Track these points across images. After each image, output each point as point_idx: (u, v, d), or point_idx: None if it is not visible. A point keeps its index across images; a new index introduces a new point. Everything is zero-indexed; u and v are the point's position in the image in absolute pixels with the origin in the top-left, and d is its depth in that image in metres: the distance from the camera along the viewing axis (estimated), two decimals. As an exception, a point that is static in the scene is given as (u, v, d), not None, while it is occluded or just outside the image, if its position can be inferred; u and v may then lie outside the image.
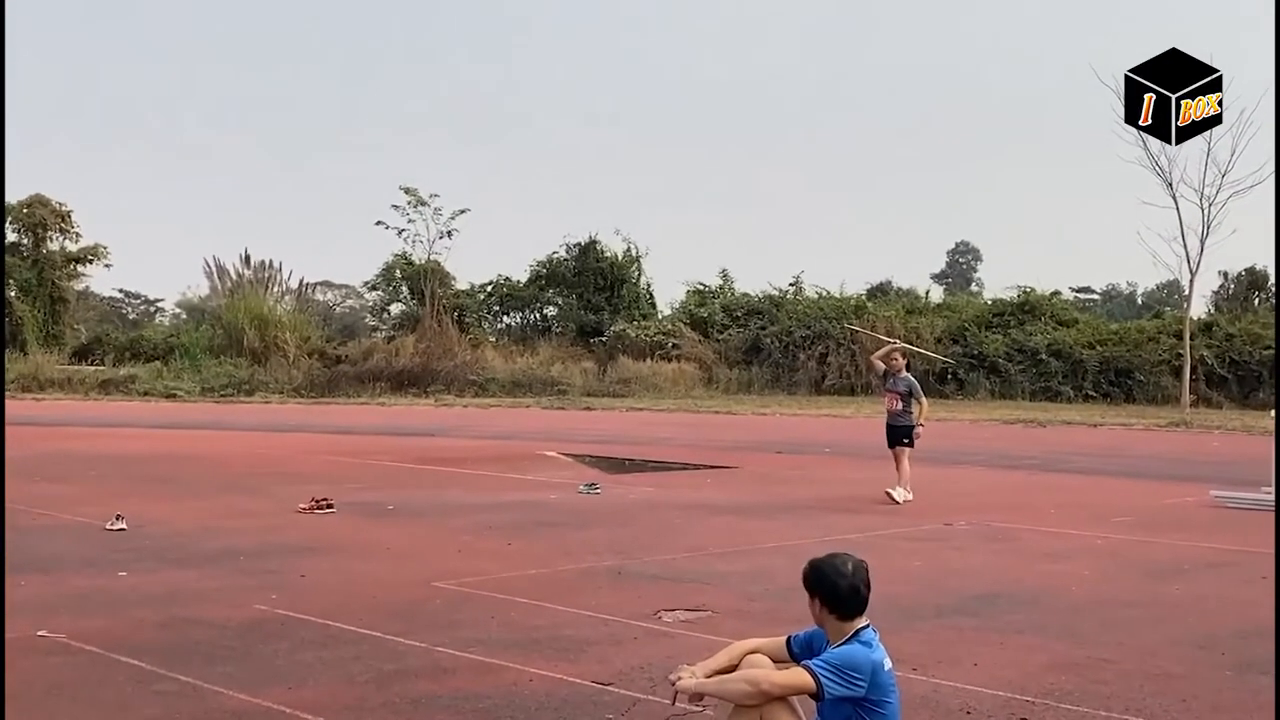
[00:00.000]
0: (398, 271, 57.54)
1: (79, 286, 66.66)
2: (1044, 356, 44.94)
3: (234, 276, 66.33)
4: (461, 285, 58.35)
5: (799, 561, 9.56)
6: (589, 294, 55.24)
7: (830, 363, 47.55)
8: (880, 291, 61.51)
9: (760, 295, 53.51)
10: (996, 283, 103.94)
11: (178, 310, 79.11)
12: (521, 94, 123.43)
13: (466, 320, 55.77)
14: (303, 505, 13.21)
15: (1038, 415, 34.27)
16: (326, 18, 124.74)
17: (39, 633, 7.27)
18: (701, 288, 55.75)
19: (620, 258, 56.34)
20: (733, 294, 54.74)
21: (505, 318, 60.26)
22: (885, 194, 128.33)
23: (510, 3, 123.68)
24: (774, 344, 48.71)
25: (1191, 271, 37.39)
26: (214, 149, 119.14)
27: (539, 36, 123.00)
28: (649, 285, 57.68)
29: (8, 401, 41.78)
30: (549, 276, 57.54)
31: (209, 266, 68.53)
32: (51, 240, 62.94)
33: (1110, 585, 9.32)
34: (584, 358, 49.49)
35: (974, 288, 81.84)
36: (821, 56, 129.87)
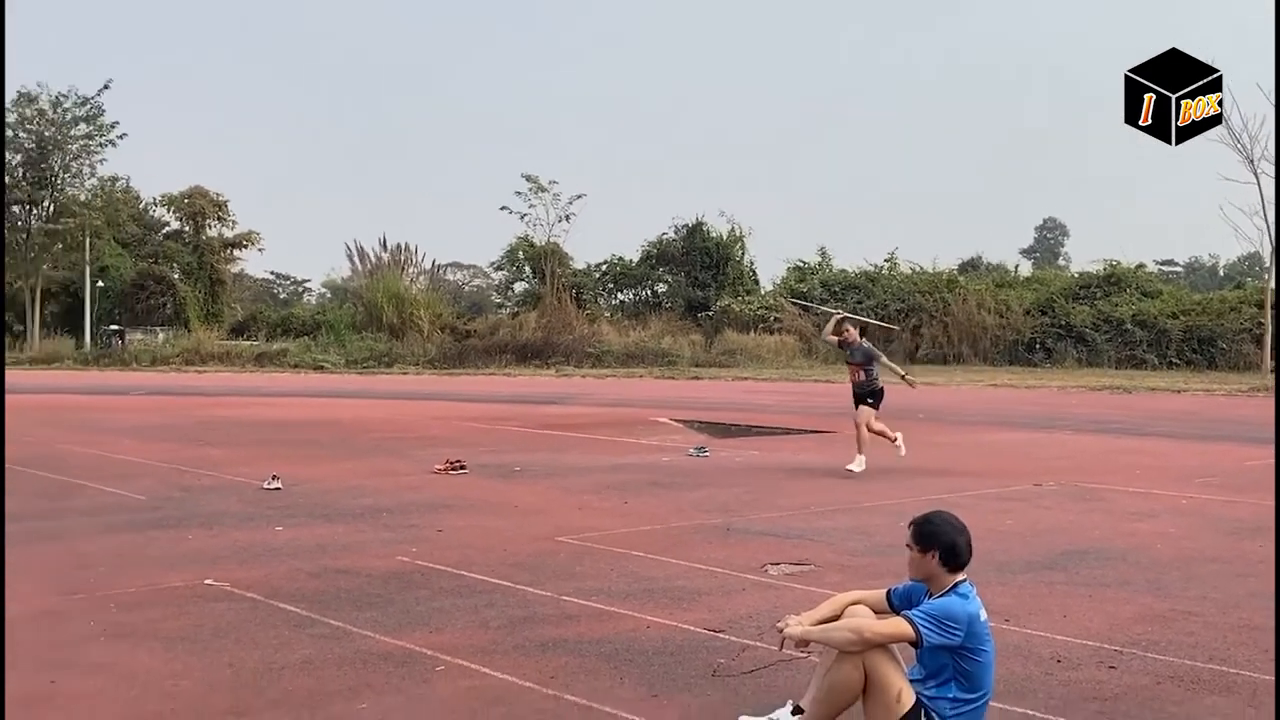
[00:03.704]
0: (520, 253, 57.99)
1: (235, 269, 68.41)
2: (1129, 326, 43.90)
3: (373, 259, 67.55)
4: (579, 265, 58.68)
5: (896, 519, 9.49)
6: (696, 272, 55.17)
7: (924, 334, 47.00)
8: (971, 266, 60.58)
9: (857, 271, 52.99)
10: (1083, 257, 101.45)
11: (323, 290, 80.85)
12: (633, 85, 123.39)
13: (584, 297, 56.05)
14: (438, 466, 13.40)
15: (1123, 382, 33.49)
16: (463, 17, 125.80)
17: (206, 581, 7.46)
18: (801, 265, 55.35)
19: (725, 237, 56.15)
20: (831, 270, 54.26)
21: (619, 294, 60.45)
22: (976, 173, 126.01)
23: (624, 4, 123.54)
24: (870, 317, 48.20)
25: (1272, 243, 36.17)
26: (356, 142, 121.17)
27: (650, 35, 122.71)
28: (752, 263, 57.49)
29: (175, 372, 43.07)
30: (659, 256, 57.59)
31: (351, 250, 69.95)
32: (210, 227, 64.59)
33: (1194, 542, 9.09)
34: (692, 331, 49.48)
35: (1061, 262, 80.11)
36: (905, 42, 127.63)
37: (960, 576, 4.43)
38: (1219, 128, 32.60)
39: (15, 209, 55.55)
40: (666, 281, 57.54)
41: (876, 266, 52.93)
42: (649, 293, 58.61)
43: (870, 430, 13.61)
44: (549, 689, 5.23)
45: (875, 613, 4.55)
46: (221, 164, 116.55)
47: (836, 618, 4.54)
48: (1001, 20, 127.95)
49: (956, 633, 4.29)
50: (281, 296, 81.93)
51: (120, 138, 56.02)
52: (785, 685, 5.11)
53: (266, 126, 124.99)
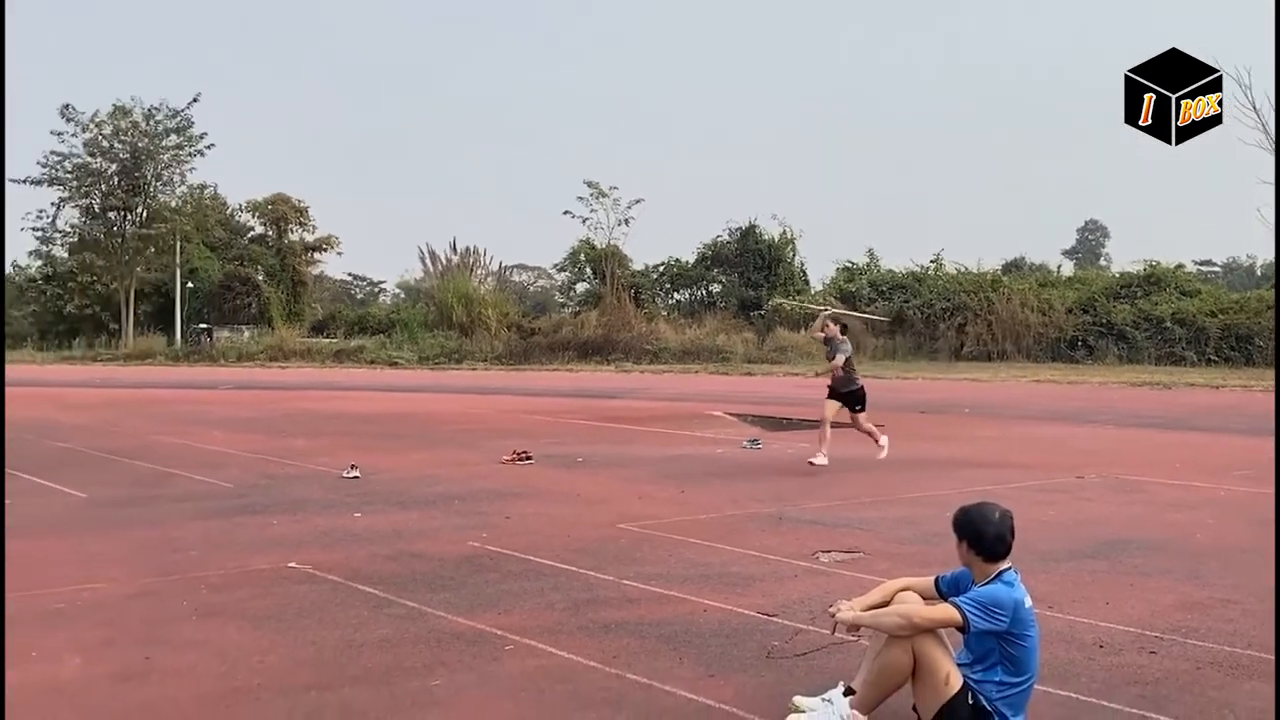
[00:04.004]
0: (582, 255, 58.20)
1: (315, 271, 69.28)
2: (1169, 324, 43.18)
3: (444, 261, 68.14)
4: (637, 266, 58.76)
5: (943, 510, 9.39)
6: (749, 272, 55.10)
7: (969, 332, 46.50)
8: (1015, 267, 59.88)
9: (904, 271, 52.54)
10: (1123, 257, 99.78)
11: (397, 290, 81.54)
12: (688, 93, 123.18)
13: (642, 297, 56.13)
14: (506, 457, 13.47)
15: (1163, 378, 32.92)
16: (535, 24, 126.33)
17: (290, 564, 7.56)
18: (850, 265, 55.00)
19: (777, 240, 56.00)
20: (878, 270, 53.85)
21: (675, 294, 60.49)
22: (1019, 176, 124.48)
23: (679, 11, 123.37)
24: (916, 315, 47.86)
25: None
26: (429, 150, 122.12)
27: (701, 44, 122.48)
28: (803, 264, 57.34)
29: (260, 368, 43.64)
30: (713, 257, 57.59)
31: (423, 252, 70.61)
32: (292, 232, 65.48)
33: (1232, 533, 8.92)
34: (745, 329, 49.38)
35: (1103, 262, 78.90)
36: (954, 47, 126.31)
37: (1004, 565, 4.39)
38: (1259, 131, 32.15)
39: (111, 215, 56.59)
40: (721, 282, 57.48)
41: (923, 267, 52.45)
42: (704, 292, 58.59)
43: (860, 429, 13.29)
44: (611, 668, 5.25)
45: (924, 599, 4.52)
46: (302, 171, 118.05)
47: (886, 603, 4.53)
48: (1043, 25, 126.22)
49: (1002, 618, 4.25)
50: (358, 296, 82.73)
51: (208, 148, 56.93)
52: (836, 667, 5.09)
53: (344, 135, 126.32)
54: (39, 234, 58.36)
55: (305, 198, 66.33)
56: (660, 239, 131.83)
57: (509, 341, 49.37)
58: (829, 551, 8.04)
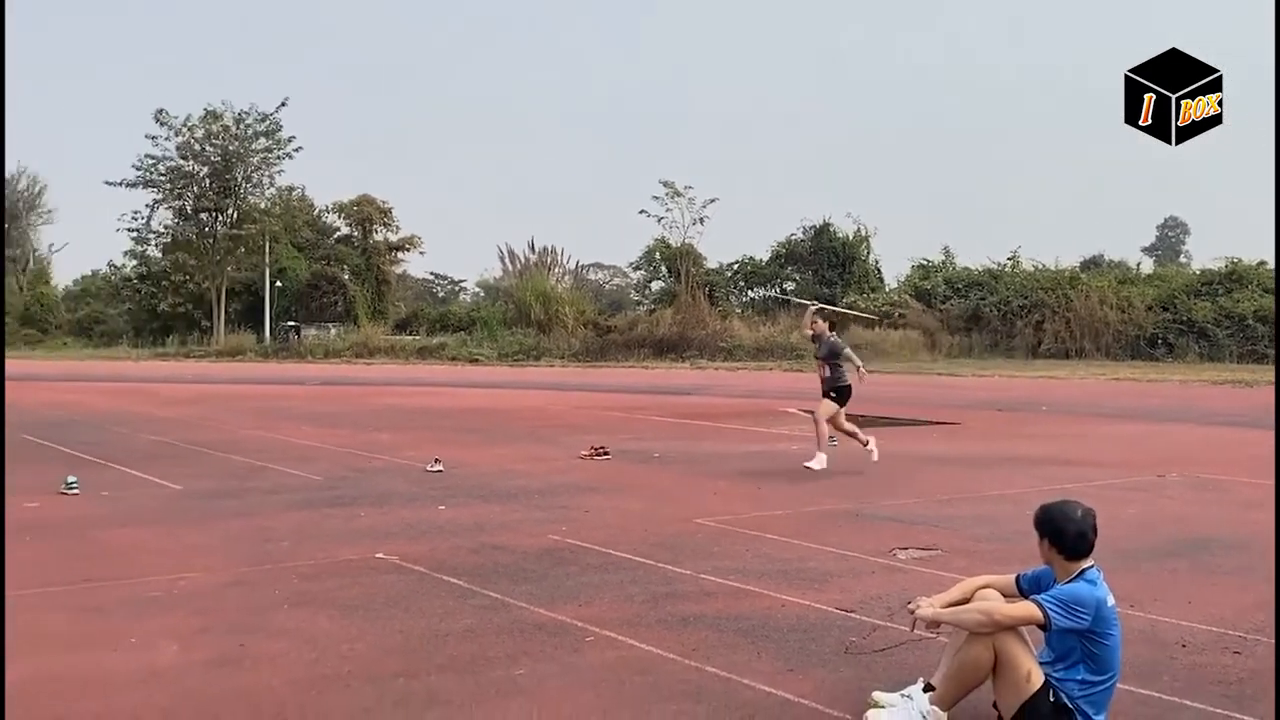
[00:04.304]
0: (657, 254, 58.30)
1: (399, 270, 70.23)
2: (1251, 322, 42.12)
3: (522, 260, 68.70)
4: (711, 264, 58.70)
5: (1022, 507, 9.27)
6: (823, 270, 54.82)
7: (1046, 329, 45.77)
8: (1093, 264, 58.75)
9: (980, 269, 51.85)
10: (1204, 254, 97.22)
11: (477, 289, 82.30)
12: (764, 91, 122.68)
13: (716, 295, 56.11)
14: (583, 452, 13.53)
15: (1245, 376, 32.10)
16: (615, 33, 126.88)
17: (377, 555, 7.67)
18: (925, 263, 54.41)
19: (851, 237, 55.59)
20: (954, 268, 53.19)
21: (749, 292, 60.37)
22: (1098, 172, 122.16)
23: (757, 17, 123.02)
24: (993, 313, 47.20)
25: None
26: (507, 152, 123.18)
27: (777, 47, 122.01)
28: (877, 261, 56.87)
29: (345, 364, 44.31)
30: (788, 255, 57.38)
31: (502, 252, 71.38)
32: (376, 232, 66.42)
33: (1321, 534, 8.67)
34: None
35: (1183, 259, 77.01)
36: (1029, 45, 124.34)
37: (1086, 563, 4.33)
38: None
39: (203, 216, 57.90)
40: (795, 279, 57.24)
41: (999, 264, 51.70)
42: (778, 290, 58.36)
43: (840, 430, 12.46)
44: (690, 660, 5.25)
45: (1004, 596, 4.47)
46: (386, 171, 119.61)
47: (966, 601, 4.48)
48: (1114, 19, 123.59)
49: (1084, 617, 4.19)
50: (440, 295, 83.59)
51: (296, 150, 57.99)
52: (915, 663, 5.05)
53: (426, 136, 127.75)
54: (134, 234, 59.97)
55: (389, 198, 67.33)
56: (734, 237, 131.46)
57: (585, 339, 49.62)
58: (906, 548, 7.97)
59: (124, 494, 10.48)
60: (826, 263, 54.88)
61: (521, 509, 9.63)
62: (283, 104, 57.38)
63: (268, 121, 57.12)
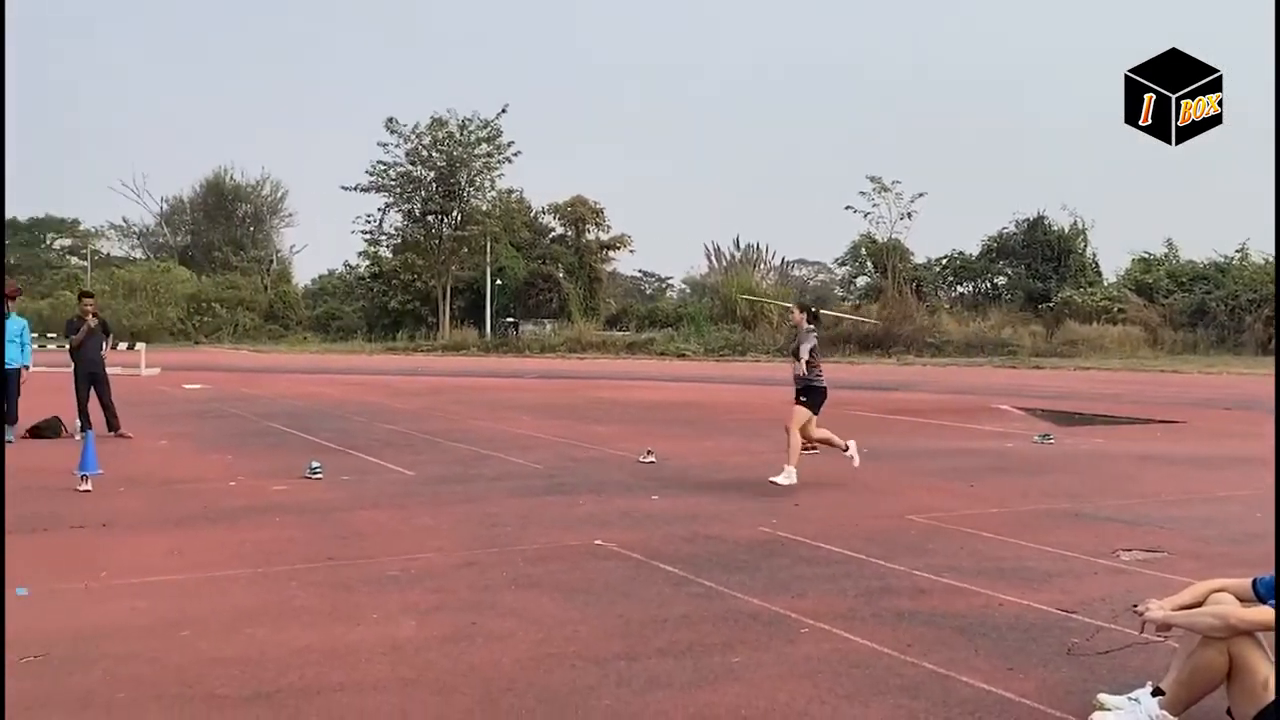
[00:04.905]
0: (863, 249, 57.45)
1: (609, 268, 71.43)
2: None
3: (728, 257, 68.75)
4: (919, 259, 57.42)
5: (1253, 509, 8.76)
6: (1036, 264, 52.87)
7: (1278, 325, 42.75)
8: (1332, 256, 54.47)
9: (1205, 262, 48.90)
10: None
11: (683, 286, 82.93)
12: (972, 79, 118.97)
13: (923, 290, 54.86)
14: (792, 446, 13.43)
15: None
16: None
17: (596, 541, 7.83)
18: (1146, 256, 51.71)
19: (1067, 230, 53.38)
20: (1177, 261, 50.36)
21: (958, 287, 58.78)
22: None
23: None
24: (1220, 308, 44.41)
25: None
26: (714, 152, 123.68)
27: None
28: (1094, 255, 54.39)
29: (560, 358, 45.40)
30: (999, 250, 55.53)
31: (709, 250, 71.52)
32: (589, 232, 67.77)
33: None
34: (1032, 322, 47.36)
35: None
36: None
37: (1331, 569, 4.04)
38: None
39: (430, 218, 60.36)
40: (1006, 274, 55.41)
41: (1227, 258, 48.64)
42: (989, 285, 56.62)
43: (811, 438, 10.74)
44: (906, 656, 5.16)
45: (1239, 601, 4.22)
46: (598, 174, 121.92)
47: (1198, 604, 4.25)
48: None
49: (1328, 626, 3.91)
50: (647, 292, 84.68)
51: (515, 155, 59.75)
52: (1141, 666, 4.82)
53: (634, 136, 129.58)
54: (367, 236, 63.08)
55: (600, 199, 68.66)
56: (943, 232, 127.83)
57: (790, 334, 49.34)
58: (1130, 550, 7.60)
59: (363, 479, 11.05)
60: (1040, 256, 52.91)
61: (732, 501, 9.65)
62: (503, 110, 59.30)
63: (489, 127, 59.08)
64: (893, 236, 54.33)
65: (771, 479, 10.18)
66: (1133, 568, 7.08)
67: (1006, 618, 5.84)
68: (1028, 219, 54.35)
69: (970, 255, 57.17)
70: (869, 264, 58.24)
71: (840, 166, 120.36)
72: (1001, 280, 55.96)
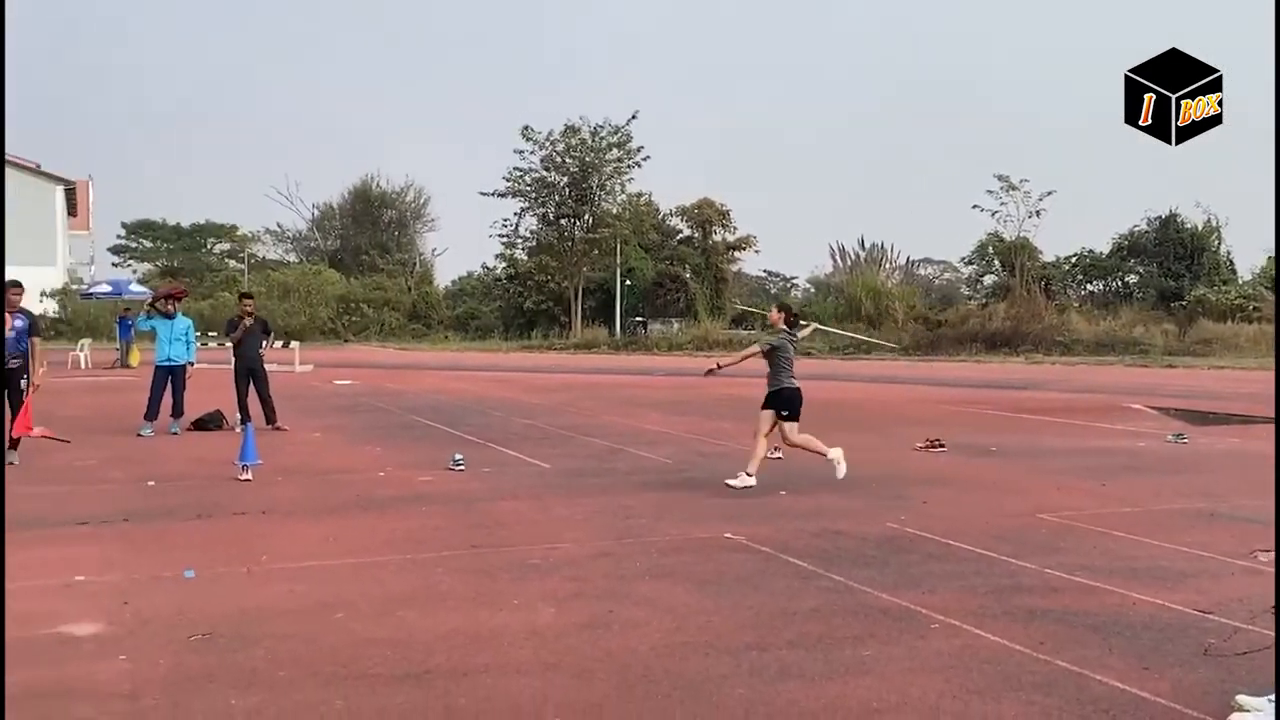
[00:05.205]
0: (990, 248, 56.14)
1: (735, 268, 71.25)
2: None
3: (852, 257, 67.96)
4: (1047, 258, 55.85)
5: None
6: (1169, 262, 50.93)
7: None
8: None
9: (1350, 257, 46.34)
10: None
11: (808, 285, 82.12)
12: (1100, 77, 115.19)
13: (1052, 288, 53.35)
14: (919, 444, 13.26)
15: None
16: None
17: (725, 534, 7.85)
18: (1284, 253, 49.27)
19: (1200, 228, 51.27)
20: (1315, 258, 47.84)
21: (1088, 285, 56.99)
22: None
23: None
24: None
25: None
26: (834, 151, 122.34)
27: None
28: (1229, 253, 52.12)
29: (687, 357, 45.47)
30: (1130, 248, 53.67)
31: (833, 250, 70.82)
32: (715, 233, 67.74)
33: None
34: (1164, 320, 45.60)
35: None
36: None
37: None
38: None
39: (562, 222, 61.09)
40: (1138, 272, 53.53)
41: (1367, 254, 46.04)
42: (1119, 283, 54.76)
43: (789, 443, 10.33)
44: (1039, 654, 5.06)
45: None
46: (724, 174, 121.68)
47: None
48: None
49: None
50: (773, 291, 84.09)
51: (645, 159, 60.05)
52: (1284, 671, 4.63)
53: (759, 138, 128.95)
54: (504, 240, 64.10)
55: (727, 200, 68.52)
56: (1072, 230, 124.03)
57: (915, 333, 48.42)
58: (1268, 550, 7.27)
59: (502, 471, 11.28)
60: (1173, 255, 50.94)
61: (859, 497, 9.56)
62: (633, 117, 59.59)
63: (619, 133, 59.48)
64: (1021, 235, 52.92)
65: (727, 481, 10.02)
66: (1270, 569, 6.79)
67: (1141, 617, 5.67)
68: (1160, 217, 52.45)
69: (1100, 254, 55.40)
70: (996, 262, 56.88)
71: (964, 166, 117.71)
72: (1133, 279, 54.08)
